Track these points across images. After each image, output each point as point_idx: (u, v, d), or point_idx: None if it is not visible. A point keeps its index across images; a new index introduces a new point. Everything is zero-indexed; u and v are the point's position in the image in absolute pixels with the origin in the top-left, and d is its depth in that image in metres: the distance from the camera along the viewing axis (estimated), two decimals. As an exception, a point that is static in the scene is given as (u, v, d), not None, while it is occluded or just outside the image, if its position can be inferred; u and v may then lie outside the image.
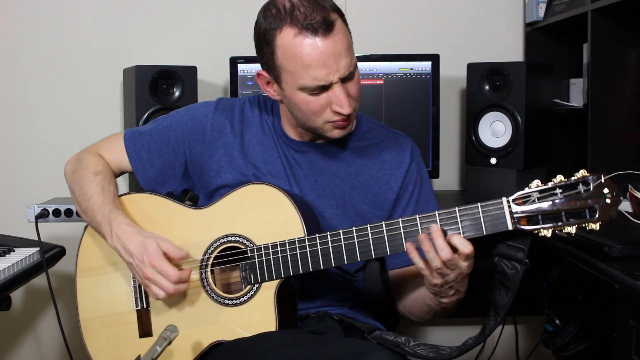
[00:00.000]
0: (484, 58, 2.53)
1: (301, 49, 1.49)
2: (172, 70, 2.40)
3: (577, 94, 2.52)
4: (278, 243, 1.54)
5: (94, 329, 1.69)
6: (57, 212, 2.17)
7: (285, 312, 1.55)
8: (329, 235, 1.50)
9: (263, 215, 1.57)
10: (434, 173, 2.50)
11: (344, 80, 1.53)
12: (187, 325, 1.58)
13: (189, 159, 1.72)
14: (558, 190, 1.34)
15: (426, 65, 2.48)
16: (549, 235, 1.36)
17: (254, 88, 2.46)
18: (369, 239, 1.48)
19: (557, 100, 2.59)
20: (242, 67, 2.47)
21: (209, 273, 1.60)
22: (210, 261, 1.60)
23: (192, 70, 2.42)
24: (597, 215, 1.33)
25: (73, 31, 2.66)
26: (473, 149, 2.46)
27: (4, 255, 1.88)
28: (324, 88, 1.52)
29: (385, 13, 2.74)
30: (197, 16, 2.70)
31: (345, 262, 1.50)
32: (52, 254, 1.95)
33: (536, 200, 1.35)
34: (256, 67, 2.46)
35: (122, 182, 2.43)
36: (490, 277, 1.47)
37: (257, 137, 1.70)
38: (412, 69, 2.48)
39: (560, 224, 1.35)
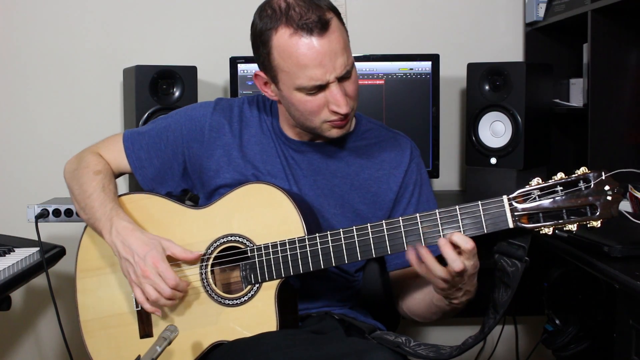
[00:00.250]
0: (484, 58, 2.54)
1: (297, 49, 1.49)
2: (172, 70, 2.39)
3: (577, 94, 2.52)
4: (278, 243, 1.54)
5: (95, 330, 1.68)
6: (57, 212, 2.17)
7: (285, 312, 1.55)
8: (329, 235, 1.50)
9: (263, 214, 1.57)
10: (434, 173, 2.50)
11: (341, 79, 1.53)
12: (188, 326, 1.58)
13: (188, 159, 1.72)
14: (559, 188, 1.34)
15: (426, 65, 2.48)
16: (550, 232, 1.36)
17: (254, 88, 2.46)
18: (369, 238, 1.47)
19: (557, 100, 2.59)
20: (242, 67, 2.47)
21: (209, 273, 1.60)
22: (210, 261, 1.60)
23: (192, 70, 2.42)
24: (598, 213, 1.32)
25: (73, 31, 2.66)
26: (473, 149, 2.46)
27: (4, 255, 1.88)
28: (321, 88, 1.52)
29: (385, 13, 2.74)
30: (197, 16, 2.70)
31: (346, 262, 1.50)
32: (52, 254, 1.95)
33: (537, 197, 1.35)
34: (256, 67, 2.46)
35: (122, 182, 2.43)
36: (491, 277, 1.47)
37: (256, 137, 1.70)
38: (412, 69, 2.48)
39: (561, 221, 1.35)
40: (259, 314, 1.54)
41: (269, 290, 1.55)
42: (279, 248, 1.54)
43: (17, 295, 2.60)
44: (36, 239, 1.91)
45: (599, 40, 2.19)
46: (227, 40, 2.65)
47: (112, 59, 2.65)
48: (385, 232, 1.46)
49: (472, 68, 2.45)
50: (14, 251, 1.92)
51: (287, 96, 1.56)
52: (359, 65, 2.43)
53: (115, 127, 2.66)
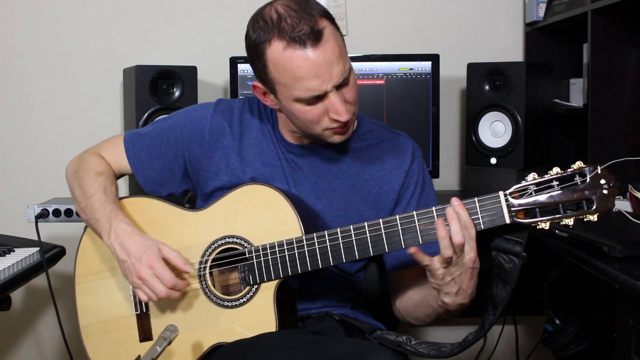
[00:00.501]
0: (484, 58, 2.54)
1: (291, 61, 1.47)
2: (172, 70, 2.39)
3: (577, 94, 2.52)
4: (276, 243, 1.54)
5: (94, 335, 1.68)
6: (57, 212, 2.17)
7: (285, 313, 1.55)
8: (326, 234, 1.50)
9: (260, 215, 1.57)
10: (434, 173, 2.50)
11: (339, 86, 1.51)
12: (187, 328, 1.58)
13: (188, 161, 1.72)
14: (555, 183, 1.35)
15: (426, 65, 2.48)
16: (547, 227, 1.36)
17: (254, 88, 2.46)
18: (366, 237, 1.47)
19: (557, 100, 2.59)
20: (242, 67, 2.47)
21: (207, 275, 1.60)
22: (209, 263, 1.60)
23: (192, 70, 2.42)
24: (594, 207, 1.33)
25: (73, 31, 2.66)
26: (473, 149, 2.46)
27: (4, 255, 1.88)
28: (320, 97, 1.51)
29: (385, 13, 2.74)
30: (197, 16, 2.70)
31: (344, 261, 1.50)
32: (52, 254, 1.95)
33: (533, 193, 1.36)
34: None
35: (123, 184, 2.43)
36: (489, 275, 1.47)
37: (256, 140, 1.70)
38: (412, 69, 2.48)
39: (558, 216, 1.35)
40: (258, 315, 1.54)
41: (267, 291, 1.55)
42: (277, 248, 1.53)
43: (17, 295, 2.60)
44: (36, 239, 1.91)
45: (599, 40, 2.19)
46: (227, 40, 2.64)
47: (112, 59, 2.65)
48: (383, 231, 1.46)
49: (472, 68, 2.45)
50: (14, 251, 1.92)
51: (287, 107, 1.55)
52: (359, 65, 2.44)
53: (115, 127, 2.66)
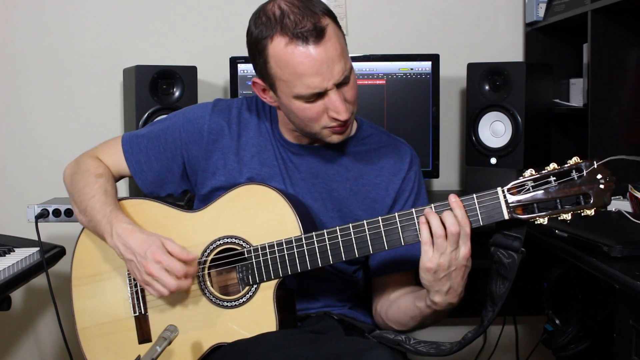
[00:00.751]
0: (484, 58, 2.54)
1: (293, 58, 1.47)
2: (172, 70, 2.39)
3: (577, 94, 2.52)
4: (275, 243, 1.54)
5: (92, 337, 1.68)
6: (57, 212, 2.17)
7: (284, 312, 1.55)
8: (326, 233, 1.50)
9: (258, 215, 1.57)
10: (434, 173, 2.50)
11: (340, 85, 1.51)
12: (187, 329, 1.58)
13: (187, 161, 1.71)
14: (552, 178, 1.36)
15: (426, 65, 2.48)
16: (545, 222, 1.37)
17: (254, 88, 2.46)
18: (366, 235, 1.48)
19: (557, 100, 2.59)
20: (242, 67, 2.47)
21: (206, 276, 1.60)
22: (208, 264, 1.60)
23: (192, 70, 2.42)
24: (591, 201, 1.34)
25: (73, 31, 2.66)
26: (473, 149, 2.46)
27: (4, 255, 1.88)
28: (320, 95, 1.51)
29: (385, 13, 2.74)
30: (197, 16, 2.70)
31: (344, 259, 1.50)
32: (52, 254, 1.95)
33: (531, 188, 1.37)
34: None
35: (123, 185, 2.43)
36: (486, 273, 1.48)
37: (253, 140, 1.70)
38: (412, 69, 2.48)
39: (555, 211, 1.36)
40: (258, 315, 1.54)
41: (267, 290, 1.55)
42: (275, 248, 1.53)
43: (17, 295, 2.60)
44: (36, 239, 1.91)
45: (599, 40, 2.19)
46: (227, 40, 2.64)
47: (112, 59, 2.65)
48: (382, 228, 1.47)
49: (472, 68, 2.45)
50: (14, 251, 1.92)
51: (286, 104, 1.55)
52: (359, 65, 2.44)
53: (115, 127, 2.66)
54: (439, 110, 2.49)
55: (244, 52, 2.46)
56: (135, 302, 1.64)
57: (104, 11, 2.67)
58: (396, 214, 1.46)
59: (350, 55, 1.56)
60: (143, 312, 1.64)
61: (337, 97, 1.51)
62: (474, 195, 1.40)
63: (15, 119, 2.66)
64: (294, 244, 1.52)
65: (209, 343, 1.57)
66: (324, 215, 1.66)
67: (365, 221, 1.48)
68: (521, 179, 1.38)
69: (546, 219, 1.37)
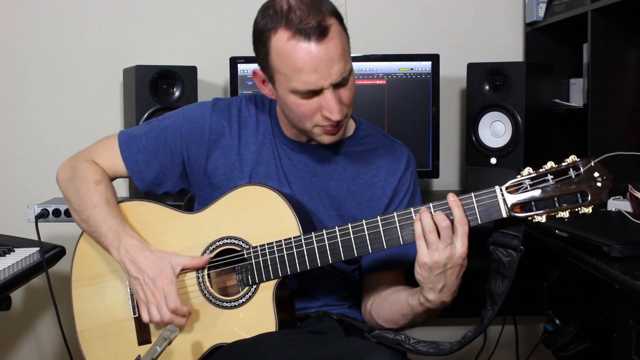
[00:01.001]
0: (484, 58, 2.54)
1: (294, 53, 1.48)
2: (172, 70, 2.40)
3: (577, 94, 2.52)
4: (274, 243, 1.54)
5: (92, 339, 1.68)
6: (57, 212, 2.17)
7: (284, 312, 1.55)
8: (325, 233, 1.50)
9: (258, 216, 1.57)
10: (434, 173, 2.50)
11: (337, 86, 1.52)
12: (187, 330, 1.58)
13: (187, 161, 1.71)
14: (549, 177, 1.37)
15: (426, 65, 2.48)
16: (543, 220, 1.38)
17: (254, 88, 2.46)
18: (365, 234, 1.48)
19: (557, 100, 2.59)
20: (242, 67, 2.47)
21: (205, 277, 1.60)
22: (207, 264, 1.60)
23: (192, 70, 2.42)
24: (589, 199, 1.35)
25: (73, 31, 2.66)
26: (473, 149, 2.46)
27: (4, 255, 1.88)
28: (315, 93, 1.51)
29: (385, 13, 2.74)
30: (197, 16, 2.70)
31: (343, 259, 1.50)
32: (52, 254, 1.95)
33: (529, 187, 1.38)
34: (256, 67, 2.46)
35: (123, 183, 2.43)
36: (484, 274, 1.48)
37: (252, 138, 1.70)
38: (412, 69, 2.48)
39: (553, 209, 1.37)
40: (257, 315, 1.54)
41: (266, 290, 1.55)
42: (275, 248, 1.54)
43: (17, 295, 2.60)
44: (36, 239, 1.91)
45: (599, 40, 2.19)
46: (227, 40, 2.65)
47: (112, 59, 2.65)
48: (381, 228, 1.47)
49: (472, 68, 2.45)
50: (14, 251, 1.92)
51: (282, 97, 1.56)
52: (359, 65, 2.44)
53: (115, 127, 2.66)
54: (439, 110, 2.49)
55: (244, 52, 2.47)
56: (135, 303, 1.64)
57: (104, 11, 2.67)
58: (395, 213, 1.46)
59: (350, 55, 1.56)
60: None
61: (332, 97, 1.51)
62: (472, 194, 1.41)
63: (15, 119, 2.67)
64: (294, 244, 1.52)
65: (209, 343, 1.57)
66: (321, 213, 1.66)
67: (364, 221, 1.48)
68: (519, 178, 1.39)
69: (544, 217, 1.38)
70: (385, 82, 2.48)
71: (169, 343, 1.42)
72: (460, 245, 1.40)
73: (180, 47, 2.68)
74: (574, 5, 2.32)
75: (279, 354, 1.39)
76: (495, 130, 2.42)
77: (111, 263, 1.64)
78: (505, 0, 2.75)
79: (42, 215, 2.15)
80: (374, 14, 2.74)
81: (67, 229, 2.39)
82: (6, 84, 2.66)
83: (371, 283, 1.70)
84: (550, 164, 1.38)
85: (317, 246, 1.51)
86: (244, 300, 1.56)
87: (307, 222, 1.58)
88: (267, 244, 1.54)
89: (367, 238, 1.48)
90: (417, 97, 2.48)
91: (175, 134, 1.70)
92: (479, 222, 1.41)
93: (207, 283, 1.59)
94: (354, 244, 1.49)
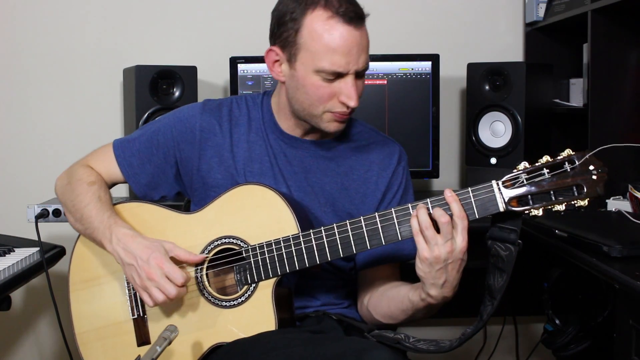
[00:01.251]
0: (484, 58, 2.54)
1: (330, 32, 1.52)
2: (172, 70, 2.40)
3: (577, 94, 2.52)
4: (273, 241, 1.54)
5: (91, 342, 1.67)
6: (57, 212, 2.17)
7: (283, 310, 1.55)
8: (323, 230, 1.51)
9: (256, 215, 1.57)
10: (434, 173, 2.50)
11: (357, 76, 1.56)
12: (186, 330, 1.57)
13: (180, 161, 1.71)
14: (545, 171, 1.38)
15: (426, 65, 2.48)
16: (540, 214, 1.39)
17: (253, 88, 2.46)
18: (363, 231, 1.48)
19: (557, 100, 2.59)
20: (242, 67, 2.47)
21: (204, 276, 1.60)
22: (206, 264, 1.60)
23: (192, 70, 2.42)
24: (585, 192, 1.36)
25: (73, 31, 2.66)
26: (473, 149, 2.46)
27: (4, 255, 1.88)
28: (339, 76, 1.55)
29: (385, 13, 2.74)
30: (197, 16, 2.70)
31: (341, 255, 1.51)
32: (52, 254, 1.95)
33: (525, 181, 1.39)
34: (256, 67, 2.47)
35: (123, 187, 2.43)
36: (482, 274, 1.48)
37: (245, 136, 1.70)
38: (412, 69, 2.48)
39: (549, 202, 1.38)
40: (257, 314, 1.54)
41: (265, 289, 1.55)
42: (273, 246, 1.54)
43: (17, 295, 2.60)
44: (36, 239, 1.91)
45: (599, 40, 2.19)
46: (227, 40, 2.65)
47: (112, 59, 2.65)
48: (379, 224, 1.47)
49: (472, 68, 2.46)
50: (14, 251, 1.92)
51: (302, 77, 1.57)
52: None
53: (115, 127, 2.66)
54: (439, 110, 2.49)
55: (244, 52, 2.47)
56: (134, 304, 1.64)
57: (104, 11, 2.67)
58: (392, 209, 1.47)
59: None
60: (141, 315, 1.64)
61: (353, 84, 1.56)
62: (469, 189, 1.42)
63: (15, 119, 2.67)
64: (292, 242, 1.53)
65: (209, 343, 1.57)
66: (316, 209, 1.66)
67: (362, 217, 1.49)
68: (515, 172, 1.40)
69: (541, 210, 1.39)
70: (385, 82, 2.48)
71: (169, 343, 1.42)
72: (461, 240, 1.41)
73: (180, 47, 2.68)
74: (574, 5, 2.32)
75: (279, 353, 1.39)
76: (495, 130, 2.42)
77: (109, 265, 1.64)
78: (505, 0, 2.76)
79: (42, 215, 2.15)
80: (374, 14, 2.70)
81: (67, 229, 2.38)
82: (6, 84, 2.66)
83: (367, 278, 1.70)
84: (545, 158, 1.39)
85: (315, 244, 1.51)
86: (243, 299, 1.56)
87: (305, 220, 1.58)
88: (266, 242, 1.54)
89: (366, 234, 1.48)
90: (417, 97, 2.48)
91: (167, 136, 1.71)
92: (477, 217, 1.42)
93: (206, 283, 1.59)
94: (352, 241, 1.49)
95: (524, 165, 1.40)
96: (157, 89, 2.39)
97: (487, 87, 2.42)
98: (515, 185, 1.39)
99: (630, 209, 1.96)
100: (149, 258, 1.52)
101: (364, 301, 1.69)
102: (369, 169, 1.70)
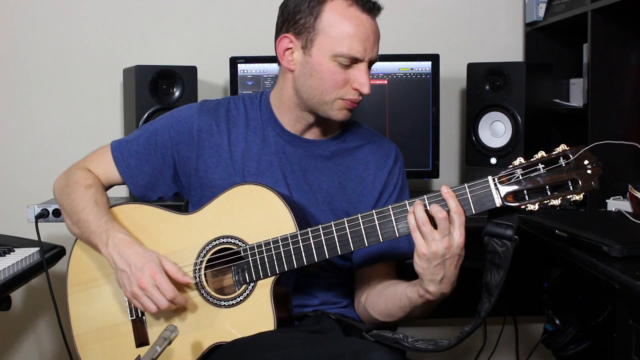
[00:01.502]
0: (484, 58, 2.54)
1: (352, 19, 1.58)
2: (172, 70, 2.40)
3: (577, 94, 2.52)
4: (271, 240, 1.54)
5: (89, 343, 1.67)
6: (57, 212, 2.17)
7: (282, 309, 1.55)
8: (321, 228, 1.51)
9: (253, 214, 1.57)
10: (434, 173, 2.50)
11: (369, 64, 1.61)
12: (185, 330, 1.57)
13: (177, 162, 1.72)
14: (540, 166, 1.39)
15: (426, 65, 2.48)
16: (536, 209, 1.40)
17: (253, 88, 2.46)
18: (361, 228, 1.49)
19: (557, 100, 2.59)
20: (242, 67, 2.47)
21: (202, 276, 1.60)
22: (204, 264, 1.60)
23: (192, 70, 2.42)
24: (579, 186, 1.37)
25: (73, 31, 2.66)
26: (473, 149, 2.46)
27: (4, 255, 1.88)
28: (354, 62, 1.58)
29: (385, 13, 2.71)
30: (197, 16, 2.70)
31: (339, 253, 1.51)
32: (52, 254, 1.95)
33: (520, 176, 1.40)
34: (256, 67, 2.47)
35: (124, 190, 2.43)
36: (479, 274, 1.48)
37: (243, 135, 1.70)
38: (412, 69, 2.48)
39: (545, 197, 1.39)
40: (255, 313, 1.54)
41: (264, 288, 1.55)
42: (272, 245, 1.54)
43: (17, 295, 2.60)
44: (36, 239, 1.91)
45: (599, 40, 2.19)
46: (227, 40, 2.65)
47: (112, 59, 2.65)
48: (377, 222, 1.48)
49: (472, 68, 2.46)
50: (14, 251, 1.92)
51: (317, 63, 1.59)
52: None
53: (115, 127, 2.66)
54: (439, 110, 2.49)
55: (244, 52, 2.47)
56: (132, 305, 1.64)
57: (104, 11, 2.67)
58: (390, 206, 1.47)
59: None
60: (140, 316, 1.64)
61: (366, 71, 1.60)
62: (466, 185, 1.43)
63: (15, 119, 2.67)
64: (290, 241, 1.53)
65: (208, 343, 1.57)
66: (314, 208, 1.67)
67: (359, 215, 1.49)
68: (510, 168, 1.41)
69: (537, 205, 1.40)
70: (385, 82, 2.48)
71: (169, 343, 1.42)
72: (458, 236, 1.41)
73: (180, 47, 2.68)
74: (574, 5, 2.32)
75: (279, 353, 1.39)
76: (495, 130, 2.42)
77: (106, 267, 1.64)
78: (505, 0, 2.76)
79: (42, 215, 2.14)
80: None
81: (67, 229, 2.40)
82: (6, 84, 2.66)
83: (364, 276, 1.70)
84: (541, 154, 1.40)
85: (313, 242, 1.51)
86: (242, 298, 1.56)
87: (302, 219, 1.58)
88: (264, 241, 1.55)
89: (363, 232, 1.49)
90: (417, 97, 2.48)
91: (165, 136, 1.71)
92: (473, 212, 1.43)
93: (204, 282, 1.59)
94: (350, 238, 1.50)
95: (519, 161, 1.41)
96: (157, 89, 2.39)
97: (487, 87, 2.42)
98: (511, 181, 1.40)
99: (630, 209, 1.96)
100: (144, 267, 1.53)
101: (361, 300, 1.69)
102: (365, 169, 1.71)
